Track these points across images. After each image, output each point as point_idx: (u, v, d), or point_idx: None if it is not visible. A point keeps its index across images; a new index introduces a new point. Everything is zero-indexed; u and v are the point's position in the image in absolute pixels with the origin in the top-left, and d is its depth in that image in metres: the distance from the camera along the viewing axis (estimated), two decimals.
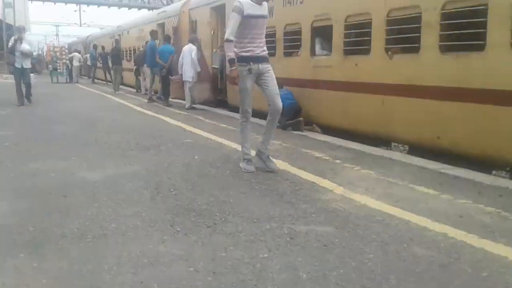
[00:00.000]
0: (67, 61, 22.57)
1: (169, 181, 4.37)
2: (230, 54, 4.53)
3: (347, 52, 7.26)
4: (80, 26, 53.42)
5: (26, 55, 11.06)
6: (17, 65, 11.04)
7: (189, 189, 4.11)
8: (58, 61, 22.38)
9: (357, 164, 5.20)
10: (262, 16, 4.64)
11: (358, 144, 6.49)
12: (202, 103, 12.23)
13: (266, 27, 4.90)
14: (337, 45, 7.43)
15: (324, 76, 7.81)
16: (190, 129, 7.67)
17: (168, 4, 31.98)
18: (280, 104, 4.69)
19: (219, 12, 11.95)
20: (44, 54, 24.59)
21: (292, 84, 8.57)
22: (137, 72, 16.49)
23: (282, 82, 9.01)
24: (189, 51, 11.19)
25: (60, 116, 9.31)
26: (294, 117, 7.95)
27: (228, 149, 6.01)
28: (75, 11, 51.57)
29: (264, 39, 4.78)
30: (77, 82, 22.54)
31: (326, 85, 7.79)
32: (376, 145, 6.67)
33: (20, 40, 10.97)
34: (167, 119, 9.06)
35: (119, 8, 45.55)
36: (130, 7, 44.28)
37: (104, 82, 22.95)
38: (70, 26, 60.37)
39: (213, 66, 12.20)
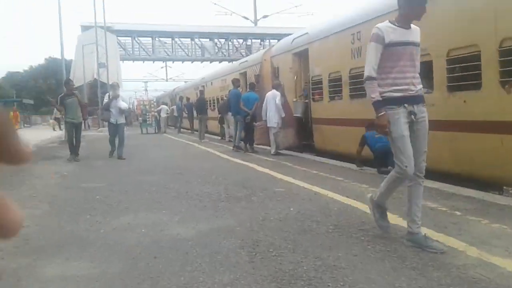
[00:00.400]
0: (156, 113, 23.59)
1: (267, 238, 3.84)
2: (374, 95, 3.55)
3: (452, 89, 6.47)
4: (167, 80, 56.75)
5: (122, 111, 11.36)
6: (112, 121, 11.35)
7: (290, 249, 3.54)
8: (147, 114, 23.47)
9: (483, 216, 4.34)
10: (413, 43, 3.61)
11: (474, 191, 5.58)
12: (287, 149, 11.81)
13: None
14: (439, 81, 6.67)
15: None
16: (280, 177, 7.19)
17: (247, 55, 32.92)
18: (424, 166, 3.60)
19: (302, 57, 11.69)
20: (135, 107, 25.92)
21: None
22: (221, 120, 16.62)
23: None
24: (272, 97, 10.96)
25: (150, 166, 9.31)
26: (390, 161, 7.27)
27: (325, 199, 5.39)
28: (161, 67, 55.12)
29: (418, 73, 3.67)
30: (165, 132, 23.39)
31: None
32: (486, 190, 5.75)
33: (115, 97, 11.31)
34: (255, 166, 8.68)
35: (201, 62, 47.94)
36: (211, 61, 46.36)
37: (190, 131, 23.61)
38: (158, 81, 64.35)
39: (295, 115, 11.77)
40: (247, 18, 27.33)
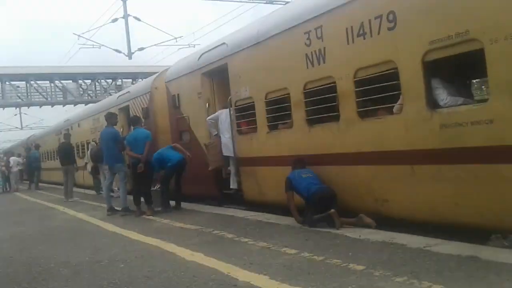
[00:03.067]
0: (3, 167, 17.68)
1: None
2: None
3: None
4: (22, 128, 48.19)
5: None
6: None
7: None
8: None
9: None
10: None
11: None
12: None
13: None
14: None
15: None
16: (239, 275, 3.55)
17: None
18: None
19: (216, 78, 8.34)
20: None
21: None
22: (95, 171, 12.16)
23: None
24: (226, 114, 7.64)
25: None
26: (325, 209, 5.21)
27: None
28: (15, 115, 46.65)
29: None
30: (17, 191, 17.64)
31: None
32: None
33: None
34: (174, 247, 4.86)
35: (63, 106, 41.39)
36: (75, 104, 40.26)
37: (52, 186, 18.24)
38: (11, 130, 54.47)
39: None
40: (119, 51, 23.02)
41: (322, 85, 5.69)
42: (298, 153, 6.13)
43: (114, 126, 8.97)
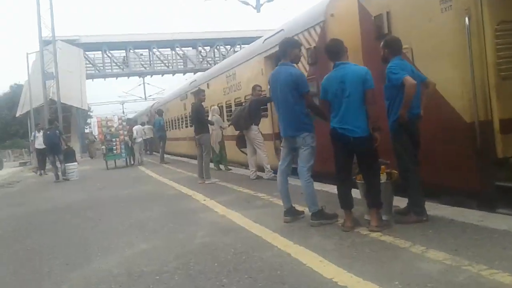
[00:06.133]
0: (126, 138, 15.54)
1: None
2: None
3: None
4: (145, 99, 48.56)
5: None
6: None
7: None
8: (113, 139, 15.31)
9: None
10: None
11: None
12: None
13: None
14: None
15: None
16: None
17: None
18: None
19: None
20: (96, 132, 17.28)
21: None
22: (241, 142, 8.85)
23: None
24: None
25: None
26: None
27: None
28: (139, 85, 46.98)
29: None
30: (141, 164, 15.48)
31: None
32: None
33: None
34: None
35: (184, 74, 40.28)
36: (195, 72, 38.79)
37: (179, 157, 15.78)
38: (136, 101, 55.78)
39: None
40: (247, 3, 19.75)
41: None
42: None
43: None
